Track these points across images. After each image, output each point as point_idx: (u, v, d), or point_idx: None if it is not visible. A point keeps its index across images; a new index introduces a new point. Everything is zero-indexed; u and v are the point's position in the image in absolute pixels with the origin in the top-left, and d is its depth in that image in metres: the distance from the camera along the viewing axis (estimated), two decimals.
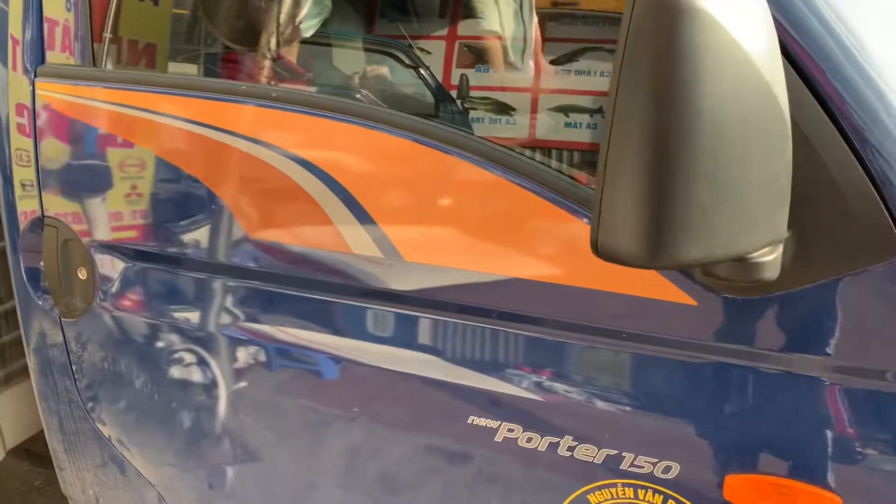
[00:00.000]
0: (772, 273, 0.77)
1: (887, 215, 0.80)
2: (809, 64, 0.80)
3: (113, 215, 1.31)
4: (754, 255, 0.75)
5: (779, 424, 0.91)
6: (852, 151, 0.79)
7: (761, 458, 0.92)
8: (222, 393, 1.29)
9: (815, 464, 0.90)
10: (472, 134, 1.09)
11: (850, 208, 0.81)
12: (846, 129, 0.79)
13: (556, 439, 1.02)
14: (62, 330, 1.43)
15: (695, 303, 0.91)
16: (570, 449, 1.01)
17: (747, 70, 0.65)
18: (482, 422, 1.06)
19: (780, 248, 0.78)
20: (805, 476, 0.90)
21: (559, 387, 1.03)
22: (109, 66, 1.33)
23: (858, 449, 0.88)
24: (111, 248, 1.33)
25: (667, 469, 0.96)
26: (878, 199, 0.80)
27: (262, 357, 1.24)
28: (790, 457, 0.91)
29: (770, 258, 0.77)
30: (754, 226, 0.70)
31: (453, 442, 1.11)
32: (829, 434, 0.89)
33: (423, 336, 1.12)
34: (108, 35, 1.33)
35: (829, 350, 0.88)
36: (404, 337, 1.13)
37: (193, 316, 1.29)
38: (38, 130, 1.32)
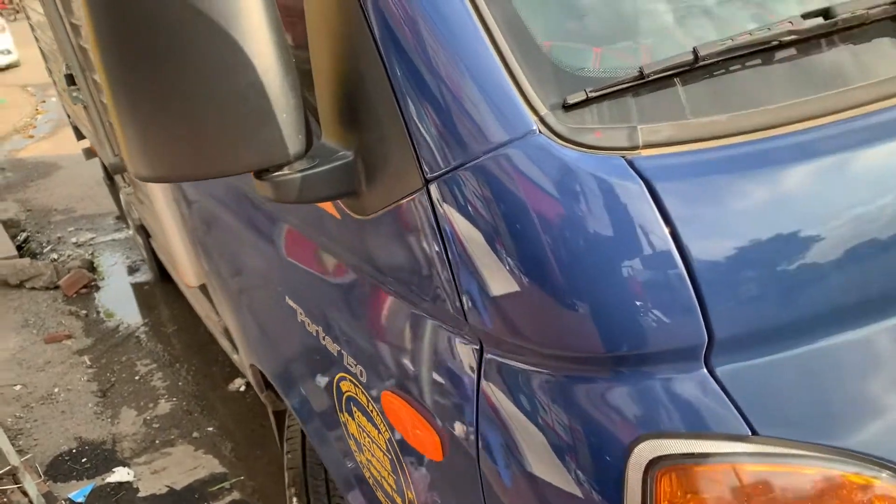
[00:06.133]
0: (286, 194, 0.79)
1: (414, 153, 0.74)
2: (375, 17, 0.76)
3: None
4: (272, 175, 0.79)
5: (400, 351, 0.92)
6: (393, 92, 0.75)
7: (395, 379, 0.94)
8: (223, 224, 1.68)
9: (421, 391, 0.89)
10: None
11: (392, 144, 0.77)
12: (389, 73, 0.75)
13: (317, 328, 1.15)
14: None
15: (339, 216, 0.95)
16: (323, 338, 1.14)
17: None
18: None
19: (290, 172, 0.78)
20: (418, 408, 0.90)
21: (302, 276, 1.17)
22: None
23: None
24: None
25: (361, 373, 1.04)
26: (409, 138, 0.74)
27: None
28: (408, 383, 0.92)
29: (282, 180, 0.79)
30: (226, 150, 0.74)
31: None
32: (414, 356, 0.88)
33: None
34: None
35: (400, 275, 0.87)
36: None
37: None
38: None
